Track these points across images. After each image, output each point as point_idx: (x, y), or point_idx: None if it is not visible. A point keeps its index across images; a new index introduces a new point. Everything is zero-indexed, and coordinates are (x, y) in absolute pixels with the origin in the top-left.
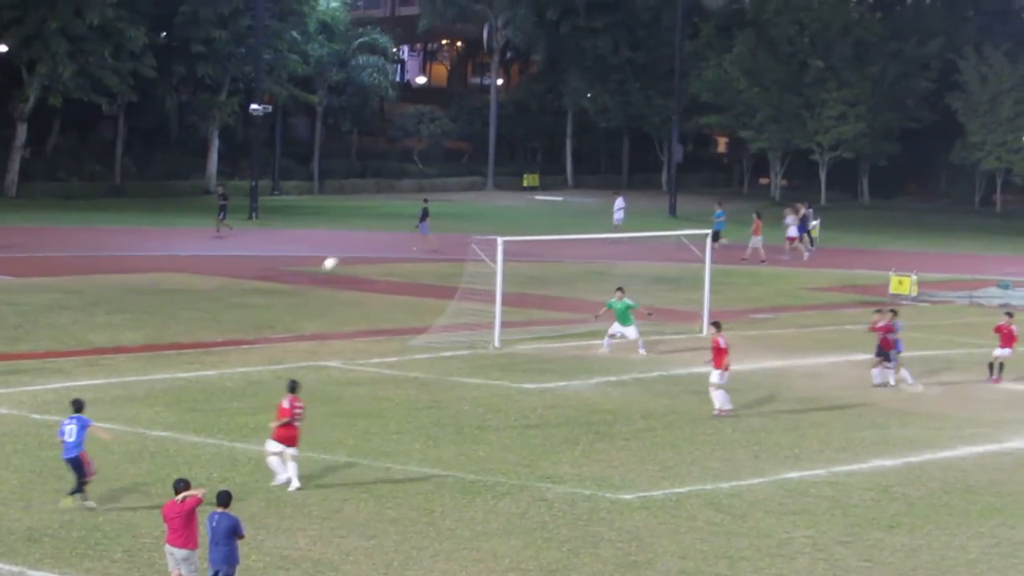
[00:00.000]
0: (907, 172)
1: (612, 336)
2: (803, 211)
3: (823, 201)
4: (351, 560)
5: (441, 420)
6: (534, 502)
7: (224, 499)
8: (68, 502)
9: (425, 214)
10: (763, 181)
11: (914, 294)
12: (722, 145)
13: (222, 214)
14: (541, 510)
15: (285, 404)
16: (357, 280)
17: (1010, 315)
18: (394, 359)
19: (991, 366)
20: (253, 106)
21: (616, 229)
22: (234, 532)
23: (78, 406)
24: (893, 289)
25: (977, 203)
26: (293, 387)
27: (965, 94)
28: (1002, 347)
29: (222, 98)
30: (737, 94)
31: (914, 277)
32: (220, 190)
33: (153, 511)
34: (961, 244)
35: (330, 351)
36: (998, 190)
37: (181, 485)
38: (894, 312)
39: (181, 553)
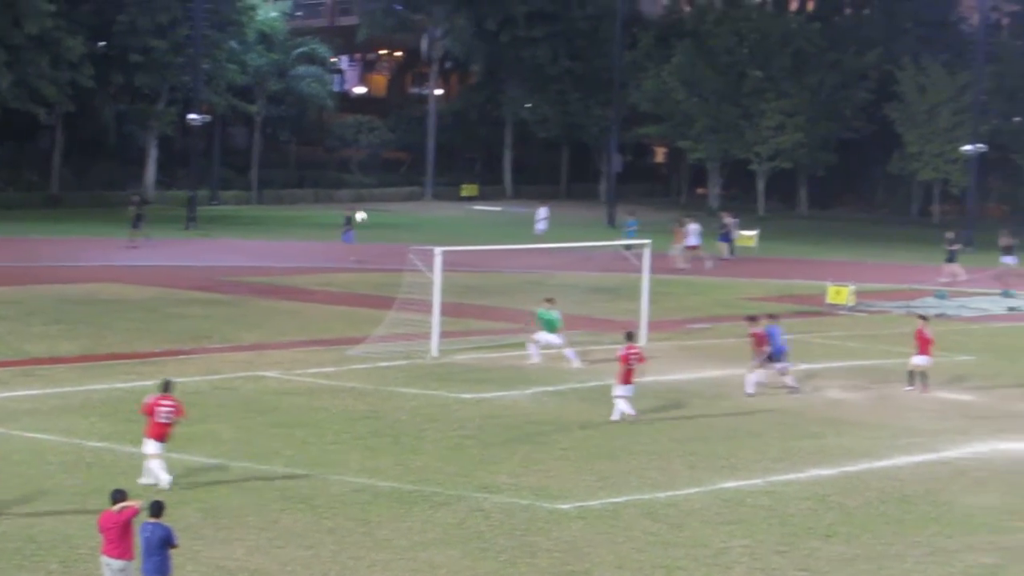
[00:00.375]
0: (845, 182)
1: (536, 342)
2: (728, 221)
3: (761, 211)
4: (288, 570)
5: (378, 430)
6: (471, 512)
7: (156, 509)
8: None
9: (349, 222)
10: (701, 191)
11: (851, 304)
12: (661, 155)
13: (138, 223)
14: (478, 520)
15: (149, 400)
16: (295, 290)
17: (924, 318)
18: (331, 369)
19: (911, 374)
20: (191, 116)
21: (538, 239)
22: (167, 542)
23: None
24: (830, 299)
25: (914, 213)
26: (165, 387)
27: (903, 105)
28: (920, 354)
29: (160, 108)
30: (676, 104)
31: (851, 287)
32: (136, 198)
33: (89, 522)
34: (898, 254)
35: (268, 361)
36: (935, 200)
37: (118, 496)
38: (772, 317)
39: (117, 564)
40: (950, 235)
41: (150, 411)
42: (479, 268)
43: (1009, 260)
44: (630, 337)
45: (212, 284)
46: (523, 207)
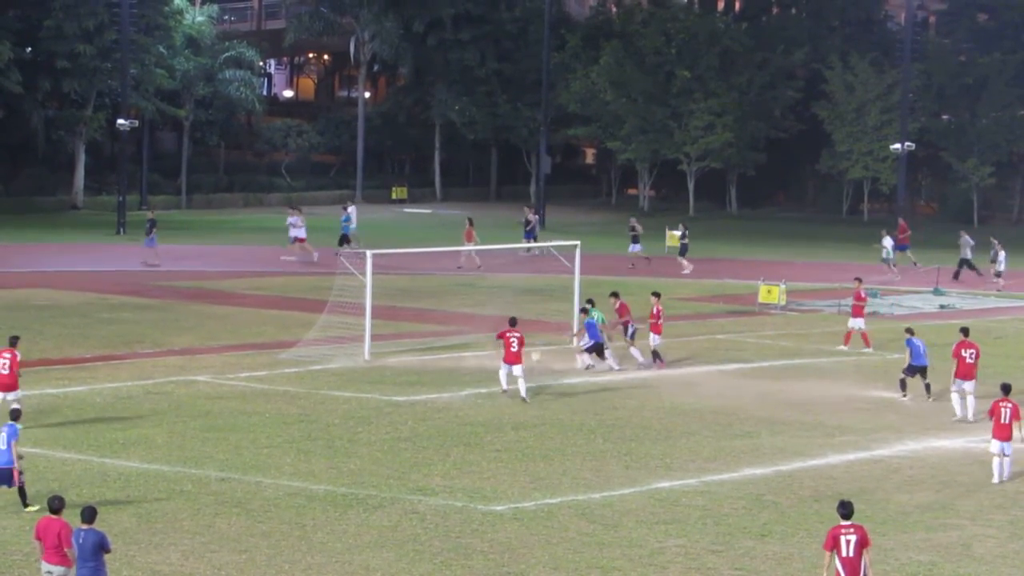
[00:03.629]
0: (775, 182)
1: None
2: (531, 217)
3: (691, 211)
4: (223, 575)
5: (312, 434)
6: (406, 515)
7: (88, 515)
8: (32, 509)
9: (152, 226)
10: (632, 192)
11: (783, 303)
12: (590, 156)
13: None
14: (413, 523)
15: None
16: (226, 294)
17: (656, 295)
18: (264, 373)
19: (654, 353)
20: (120, 121)
21: (353, 236)
22: (101, 547)
23: (15, 415)
24: (762, 298)
25: (845, 212)
26: (13, 342)
27: (831, 103)
28: (652, 332)
29: (88, 113)
30: (604, 105)
31: (783, 286)
32: None
33: (23, 527)
34: (829, 253)
35: (199, 365)
36: (865, 199)
37: (56, 503)
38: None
39: (58, 571)
40: (684, 229)
41: None
42: (410, 271)
43: (635, 248)
44: (512, 323)
45: (143, 289)
46: (453, 209)
